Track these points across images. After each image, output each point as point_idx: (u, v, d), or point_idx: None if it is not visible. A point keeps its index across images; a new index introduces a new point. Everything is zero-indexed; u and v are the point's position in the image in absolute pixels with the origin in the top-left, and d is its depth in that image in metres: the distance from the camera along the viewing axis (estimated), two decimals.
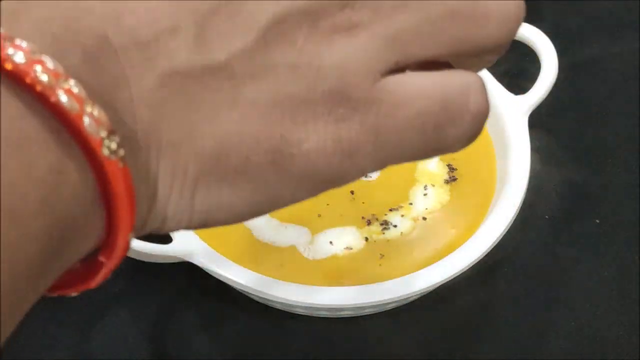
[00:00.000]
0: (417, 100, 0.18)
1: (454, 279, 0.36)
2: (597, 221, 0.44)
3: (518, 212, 0.38)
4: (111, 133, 0.16)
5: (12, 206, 0.15)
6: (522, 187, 0.39)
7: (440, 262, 0.37)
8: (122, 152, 0.16)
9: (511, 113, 0.42)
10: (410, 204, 0.41)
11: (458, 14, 0.19)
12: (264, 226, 0.41)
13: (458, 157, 0.43)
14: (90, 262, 0.18)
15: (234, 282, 0.37)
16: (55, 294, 0.18)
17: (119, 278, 0.42)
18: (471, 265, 0.36)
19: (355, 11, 0.18)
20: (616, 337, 0.40)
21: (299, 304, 0.36)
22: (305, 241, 0.40)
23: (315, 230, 0.40)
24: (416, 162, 0.43)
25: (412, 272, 0.36)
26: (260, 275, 0.37)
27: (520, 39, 0.43)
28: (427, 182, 0.42)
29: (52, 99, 0.15)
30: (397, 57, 0.18)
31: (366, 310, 0.39)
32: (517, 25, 0.20)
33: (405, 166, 0.43)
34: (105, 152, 0.16)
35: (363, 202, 0.41)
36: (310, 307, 0.37)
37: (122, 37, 0.17)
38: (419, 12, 0.18)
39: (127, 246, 0.17)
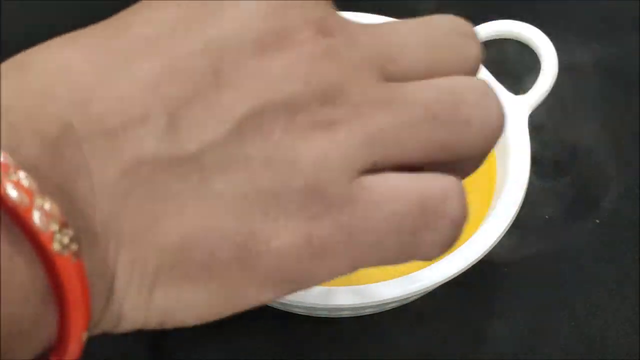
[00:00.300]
0: (394, 202, 0.18)
1: (454, 279, 0.36)
2: (597, 221, 0.44)
3: (518, 212, 0.38)
4: (63, 226, 0.15)
5: None
6: (522, 187, 0.39)
7: (440, 262, 0.37)
8: (74, 246, 0.15)
9: (511, 113, 0.42)
10: None
11: (439, 119, 0.18)
12: None
13: None
14: None
15: None
16: None
17: None
18: (471, 265, 0.36)
19: (335, 108, 0.17)
20: (616, 337, 0.40)
21: (299, 304, 0.36)
22: None
23: None
24: None
25: (412, 272, 0.36)
26: None
27: (520, 39, 0.43)
28: None
29: (0, 193, 0.14)
30: (375, 158, 0.18)
31: (366, 310, 0.39)
32: (497, 137, 0.19)
33: None
34: (56, 247, 0.15)
35: None
36: (310, 307, 0.37)
37: (87, 124, 0.16)
38: (401, 114, 0.18)
39: (81, 346, 0.16)
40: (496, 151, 0.43)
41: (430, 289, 0.37)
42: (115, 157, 0.16)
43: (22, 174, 0.14)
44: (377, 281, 0.36)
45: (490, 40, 0.44)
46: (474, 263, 0.36)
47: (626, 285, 0.42)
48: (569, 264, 0.43)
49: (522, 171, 0.40)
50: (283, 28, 0.18)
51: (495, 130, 0.19)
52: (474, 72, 0.20)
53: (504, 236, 0.38)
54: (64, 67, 0.17)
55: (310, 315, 0.40)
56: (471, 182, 0.42)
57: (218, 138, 0.17)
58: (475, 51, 0.20)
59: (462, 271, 0.36)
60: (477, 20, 0.44)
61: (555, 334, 0.40)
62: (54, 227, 0.15)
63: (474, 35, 0.20)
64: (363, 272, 0.39)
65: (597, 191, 0.46)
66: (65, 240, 0.15)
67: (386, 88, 0.18)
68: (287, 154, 0.17)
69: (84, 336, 0.16)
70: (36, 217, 0.14)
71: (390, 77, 0.19)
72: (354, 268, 0.18)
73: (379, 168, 0.18)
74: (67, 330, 0.16)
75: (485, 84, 0.19)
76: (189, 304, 0.18)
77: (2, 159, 0.14)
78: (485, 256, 0.37)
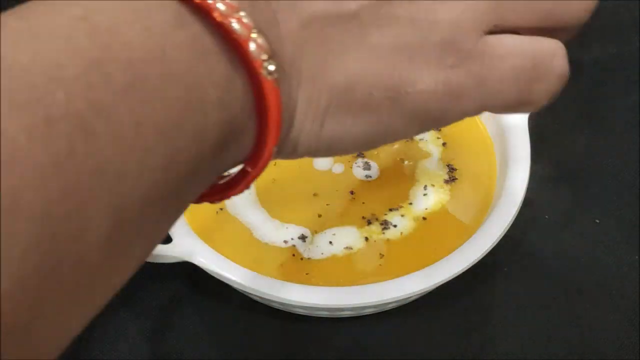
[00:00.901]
0: (513, 57, 0.22)
1: (454, 279, 0.36)
2: (597, 221, 0.44)
3: (518, 212, 0.38)
4: (270, 57, 0.19)
5: (200, 97, 0.18)
6: (522, 187, 0.39)
7: (440, 262, 0.37)
8: (276, 74, 0.19)
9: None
10: (410, 203, 0.41)
11: None
12: (263, 226, 0.41)
13: (458, 157, 0.43)
14: (234, 175, 0.21)
15: (234, 282, 0.37)
16: (201, 202, 0.21)
17: None
18: (471, 265, 0.36)
19: None
20: (616, 337, 0.40)
21: (299, 304, 0.36)
22: (305, 241, 0.40)
23: (315, 230, 0.40)
24: (420, 161, 0.43)
25: (412, 272, 0.36)
26: (260, 275, 0.37)
27: None
28: (427, 182, 0.42)
29: (227, 25, 0.18)
30: (497, 20, 0.21)
31: (366, 310, 0.39)
32: (592, 10, 0.24)
33: (405, 166, 0.43)
34: (264, 72, 0.18)
35: (363, 202, 0.41)
36: (310, 307, 0.37)
37: None
38: None
39: (270, 157, 0.20)
40: (496, 151, 0.43)
41: (430, 289, 0.37)
42: (295, 13, 0.20)
43: (243, 13, 0.18)
44: (377, 281, 0.36)
45: None
46: (474, 263, 0.36)
47: (626, 285, 0.42)
48: (569, 264, 0.43)
49: (521, 171, 0.40)
50: None
51: (592, 4, 0.23)
52: None
53: (504, 236, 0.38)
54: None
55: (310, 315, 0.40)
56: (471, 182, 0.42)
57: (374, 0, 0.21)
58: None
59: (462, 271, 0.36)
60: None
61: (555, 334, 0.40)
62: (264, 56, 0.18)
63: None
64: (363, 272, 0.39)
65: (597, 191, 0.46)
66: (271, 67, 0.19)
67: None
68: (427, 15, 0.21)
69: (275, 150, 0.20)
70: (252, 47, 0.18)
71: None
72: (480, 110, 0.22)
73: (498, 30, 0.22)
74: (264, 142, 0.20)
75: None
76: (351, 133, 0.22)
77: (230, 0, 0.18)
78: (485, 256, 0.37)
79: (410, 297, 0.37)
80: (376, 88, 0.21)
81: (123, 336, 0.41)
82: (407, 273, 0.36)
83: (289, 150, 0.22)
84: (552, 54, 0.22)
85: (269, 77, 0.19)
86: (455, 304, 0.41)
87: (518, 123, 0.41)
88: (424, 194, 0.42)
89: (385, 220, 0.41)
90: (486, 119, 0.44)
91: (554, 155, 0.47)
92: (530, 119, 0.42)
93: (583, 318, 0.41)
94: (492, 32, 0.22)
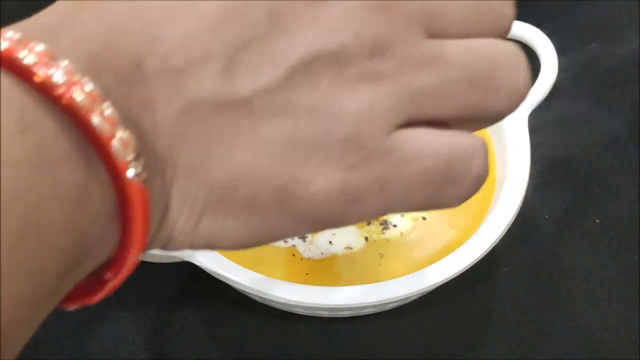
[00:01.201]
0: (425, 158, 0.19)
1: (454, 279, 0.36)
2: (597, 221, 0.44)
3: (518, 212, 0.38)
4: (137, 156, 0.16)
5: (40, 224, 0.15)
6: (522, 187, 0.39)
7: (440, 262, 0.37)
8: (145, 174, 0.16)
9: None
10: None
11: (475, 82, 0.19)
12: None
13: None
14: (94, 279, 0.18)
15: (234, 282, 0.37)
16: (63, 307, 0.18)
17: None
18: (471, 265, 0.36)
19: (382, 62, 0.18)
20: (616, 337, 0.40)
21: (299, 304, 0.36)
22: (305, 241, 0.40)
23: None
24: None
25: (412, 272, 0.36)
26: (260, 275, 0.37)
27: (520, 39, 0.43)
28: None
29: (86, 121, 0.15)
30: (411, 113, 0.19)
31: (366, 310, 0.39)
32: (521, 101, 0.20)
33: None
34: (130, 174, 0.16)
35: None
36: (310, 307, 0.37)
37: (154, 61, 0.17)
38: (441, 74, 0.19)
39: (135, 265, 0.17)
40: (496, 151, 0.43)
41: (431, 288, 0.37)
42: (177, 96, 0.17)
43: (106, 104, 0.16)
44: (377, 281, 0.36)
45: None
46: (474, 263, 0.36)
47: (626, 285, 0.42)
48: (569, 264, 0.43)
49: (522, 171, 0.40)
50: None
51: (520, 98, 0.20)
52: (507, 32, 0.21)
53: (504, 236, 0.38)
54: (135, 3, 0.17)
55: (311, 315, 0.40)
56: None
57: (269, 84, 0.18)
58: (510, 11, 0.21)
59: (462, 271, 0.36)
60: None
61: (555, 334, 0.40)
62: (130, 156, 0.16)
63: None
64: (363, 272, 0.39)
65: (597, 191, 0.46)
66: (138, 169, 0.16)
67: (430, 45, 0.19)
68: (332, 105, 0.18)
69: (140, 256, 0.17)
70: (116, 145, 0.16)
71: (434, 34, 0.19)
72: (382, 214, 0.20)
73: (412, 122, 0.19)
74: (127, 249, 0.17)
75: (517, 51, 0.20)
76: (230, 234, 0.19)
77: (91, 89, 0.15)
78: (485, 256, 0.37)
79: (410, 297, 0.37)
80: (262, 188, 0.18)
81: (123, 336, 0.41)
82: (407, 273, 0.36)
83: (161, 244, 0.19)
84: (471, 154, 0.19)
85: (135, 180, 0.16)
86: (455, 304, 0.41)
87: (518, 123, 0.41)
88: None
89: (385, 220, 0.41)
90: None
91: (554, 155, 0.47)
92: (530, 119, 0.42)
93: (583, 318, 0.41)
94: (407, 124, 0.19)
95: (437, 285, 0.36)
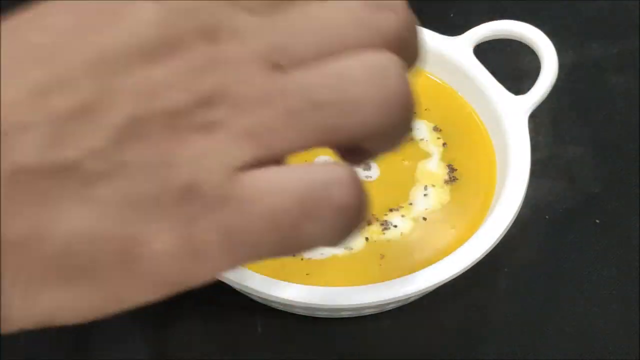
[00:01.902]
0: (269, 197, 0.17)
1: (454, 279, 0.36)
2: (597, 221, 0.44)
3: (518, 212, 0.38)
4: None
5: None
6: (522, 187, 0.39)
7: (440, 262, 0.37)
8: None
9: (511, 113, 0.42)
10: (410, 204, 0.41)
11: (322, 104, 0.18)
12: None
13: (458, 158, 0.43)
14: None
15: (234, 282, 0.37)
16: None
17: None
18: (471, 265, 0.36)
19: (213, 109, 0.18)
20: (616, 337, 0.40)
21: (299, 304, 0.36)
22: None
23: None
24: (421, 161, 0.43)
25: (412, 272, 0.36)
26: (260, 275, 0.37)
27: (520, 39, 0.43)
28: (427, 182, 0.42)
29: None
30: (256, 153, 0.17)
31: (366, 310, 0.39)
32: (401, 107, 0.18)
33: (405, 166, 0.43)
34: None
35: None
36: (310, 307, 0.37)
37: None
38: (280, 106, 0.18)
39: None
40: (496, 151, 0.43)
41: (431, 289, 0.37)
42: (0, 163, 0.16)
43: None
44: (377, 281, 0.36)
45: (491, 40, 0.44)
46: (474, 263, 0.36)
47: (626, 285, 0.42)
48: (569, 264, 0.43)
49: (522, 171, 0.40)
50: (172, 36, 0.18)
51: (393, 103, 0.18)
52: (393, 44, 0.19)
53: (504, 236, 0.38)
54: None
55: (310, 315, 0.40)
56: (471, 182, 0.42)
57: (97, 146, 0.17)
58: (388, 22, 0.19)
59: (462, 271, 0.36)
60: (478, 20, 0.44)
61: (555, 334, 0.40)
62: None
63: (392, 6, 0.19)
64: (363, 272, 0.39)
65: (597, 192, 0.46)
66: None
67: (269, 81, 0.18)
68: (164, 158, 0.17)
69: None
70: None
71: (280, 67, 0.18)
72: (235, 266, 0.19)
73: (264, 162, 0.18)
74: None
75: (386, 57, 0.18)
76: (71, 305, 0.18)
77: None
78: (485, 256, 0.37)
79: (410, 297, 0.37)
80: (101, 253, 0.17)
81: (123, 336, 0.41)
82: (407, 273, 0.36)
83: None
84: (325, 183, 0.17)
85: None
86: (455, 304, 0.41)
87: (518, 123, 0.41)
88: (424, 194, 0.42)
89: (386, 221, 0.41)
90: (486, 119, 0.44)
91: (554, 155, 0.47)
92: (530, 119, 0.42)
93: (583, 318, 0.41)
94: (256, 166, 0.18)
95: (438, 285, 0.36)
